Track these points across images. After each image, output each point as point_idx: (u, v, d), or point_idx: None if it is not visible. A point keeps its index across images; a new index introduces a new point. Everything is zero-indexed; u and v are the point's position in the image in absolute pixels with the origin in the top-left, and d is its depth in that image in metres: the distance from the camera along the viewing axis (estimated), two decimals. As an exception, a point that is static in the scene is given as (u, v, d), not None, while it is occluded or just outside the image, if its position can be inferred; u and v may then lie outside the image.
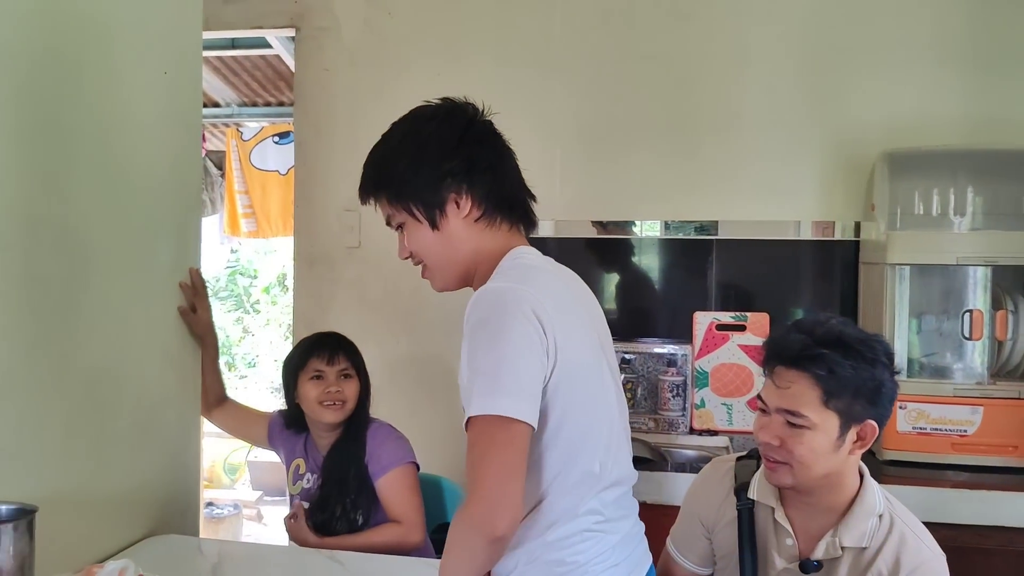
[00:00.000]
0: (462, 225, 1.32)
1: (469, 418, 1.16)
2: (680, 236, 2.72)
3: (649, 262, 2.78)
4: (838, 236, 2.63)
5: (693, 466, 2.50)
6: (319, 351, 2.03)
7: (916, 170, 2.34)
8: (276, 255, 6.39)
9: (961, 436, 2.18)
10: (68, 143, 1.50)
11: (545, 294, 1.22)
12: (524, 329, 1.17)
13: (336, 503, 1.95)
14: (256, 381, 6.21)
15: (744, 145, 2.68)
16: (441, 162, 1.29)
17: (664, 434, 2.59)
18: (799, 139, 2.65)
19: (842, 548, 1.36)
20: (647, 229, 2.75)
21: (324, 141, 2.95)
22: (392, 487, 1.95)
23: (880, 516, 1.37)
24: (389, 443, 2.00)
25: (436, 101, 1.36)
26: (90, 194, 1.56)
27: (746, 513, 1.46)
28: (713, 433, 2.63)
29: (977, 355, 2.24)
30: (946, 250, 2.18)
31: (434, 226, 1.31)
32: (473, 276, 1.35)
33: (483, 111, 1.36)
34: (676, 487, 2.16)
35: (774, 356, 1.40)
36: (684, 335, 2.69)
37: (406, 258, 1.37)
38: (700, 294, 2.72)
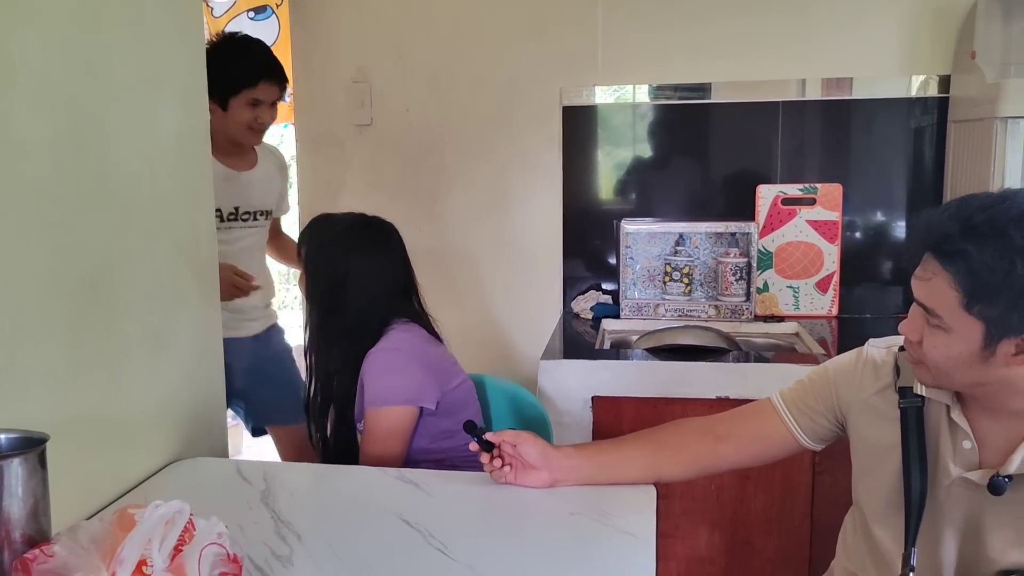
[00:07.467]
0: None
1: None
2: (736, 100, 2.40)
3: (699, 131, 2.47)
4: (916, 93, 2.33)
5: (762, 357, 2.27)
6: None
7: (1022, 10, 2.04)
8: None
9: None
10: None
11: None
12: None
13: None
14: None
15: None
16: None
17: (726, 321, 2.34)
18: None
19: None
20: (685, 94, 2.42)
21: (325, 1, 2.55)
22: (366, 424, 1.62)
23: None
24: (383, 377, 1.63)
25: None
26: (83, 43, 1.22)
27: (913, 411, 1.21)
28: (779, 319, 2.39)
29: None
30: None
31: None
32: None
33: None
34: (760, 380, 1.93)
35: (919, 239, 1.11)
36: (746, 212, 2.41)
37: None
38: (764, 165, 2.42)
